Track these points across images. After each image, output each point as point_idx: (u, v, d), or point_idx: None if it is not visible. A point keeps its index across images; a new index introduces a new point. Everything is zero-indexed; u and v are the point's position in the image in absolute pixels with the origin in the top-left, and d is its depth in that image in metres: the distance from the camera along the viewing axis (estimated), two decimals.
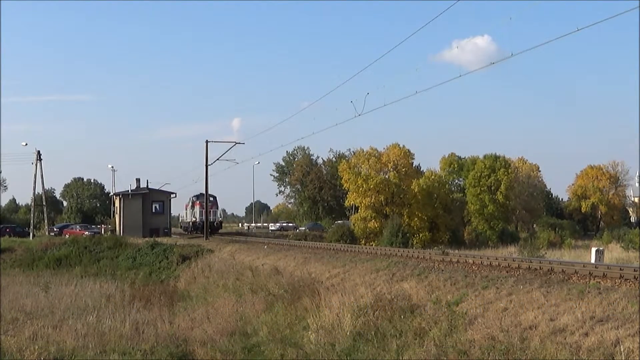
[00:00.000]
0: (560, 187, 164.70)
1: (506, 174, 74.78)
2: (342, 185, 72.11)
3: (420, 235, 65.02)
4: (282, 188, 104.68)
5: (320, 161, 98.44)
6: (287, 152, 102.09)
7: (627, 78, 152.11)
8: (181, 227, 75.63)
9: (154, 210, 61.40)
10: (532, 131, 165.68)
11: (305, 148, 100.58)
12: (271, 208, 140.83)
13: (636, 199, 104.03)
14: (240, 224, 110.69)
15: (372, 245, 51.27)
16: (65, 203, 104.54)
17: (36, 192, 64.04)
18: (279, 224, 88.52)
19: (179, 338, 19.02)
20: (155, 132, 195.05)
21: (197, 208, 58.62)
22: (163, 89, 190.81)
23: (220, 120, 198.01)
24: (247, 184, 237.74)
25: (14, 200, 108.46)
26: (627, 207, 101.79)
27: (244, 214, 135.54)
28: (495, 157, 76.93)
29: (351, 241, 55.87)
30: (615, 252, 46.33)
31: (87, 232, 57.96)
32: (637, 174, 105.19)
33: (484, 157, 78.64)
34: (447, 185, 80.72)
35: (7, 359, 16.47)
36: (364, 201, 66.76)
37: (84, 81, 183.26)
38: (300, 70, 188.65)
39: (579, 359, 10.08)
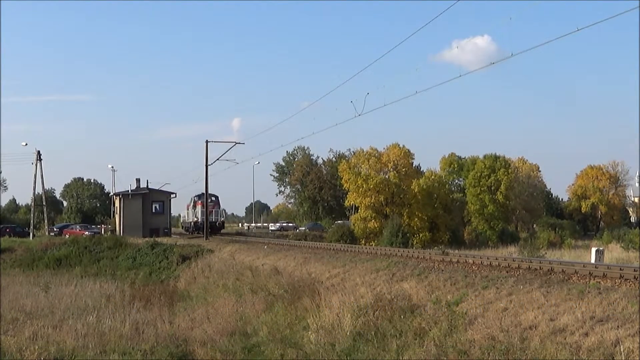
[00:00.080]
0: (560, 187, 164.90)
1: (506, 174, 74.77)
2: (342, 185, 72.09)
3: (420, 235, 64.99)
4: (282, 188, 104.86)
5: (320, 161, 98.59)
6: (287, 152, 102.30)
7: (627, 78, 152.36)
8: (182, 227, 75.54)
9: (154, 210, 61.35)
10: (532, 131, 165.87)
11: (305, 148, 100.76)
12: (271, 208, 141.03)
13: (636, 199, 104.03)
14: (240, 224, 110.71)
15: (372, 245, 51.27)
16: (65, 203, 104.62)
17: (36, 192, 64.14)
18: (279, 224, 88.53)
19: (179, 338, 19.02)
20: (155, 132, 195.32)
21: (198, 208, 58.49)
22: (163, 89, 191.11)
23: (220, 120, 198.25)
24: (247, 184, 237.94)
25: (14, 200, 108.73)
26: (627, 207, 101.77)
27: (244, 214, 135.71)
28: (495, 157, 76.92)
29: (351, 241, 55.86)
30: (615, 252, 46.30)
31: (87, 232, 57.96)
32: (637, 174, 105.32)
33: (484, 157, 78.65)
34: (447, 185, 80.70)
35: (7, 359, 16.47)
36: (364, 201, 66.75)
37: (84, 81, 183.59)
38: (300, 70, 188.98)
39: (579, 359, 10.08)
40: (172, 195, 63.51)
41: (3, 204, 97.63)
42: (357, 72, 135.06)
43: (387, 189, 67.30)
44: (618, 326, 10.34)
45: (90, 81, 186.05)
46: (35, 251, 45.92)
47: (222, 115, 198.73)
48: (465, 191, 79.23)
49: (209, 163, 51.91)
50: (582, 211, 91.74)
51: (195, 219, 60.22)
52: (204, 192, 53.78)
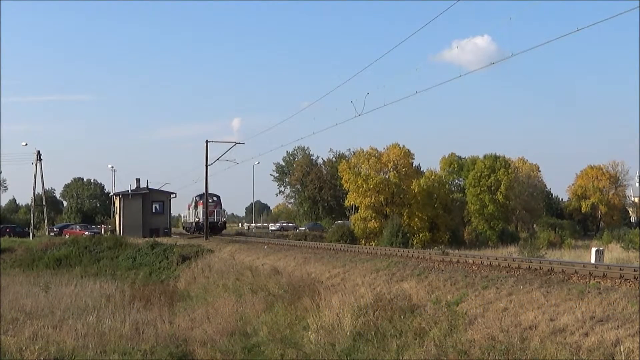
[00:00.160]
0: (560, 187, 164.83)
1: (506, 174, 74.76)
2: (342, 185, 72.08)
3: (420, 235, 64.99)
4: (282, 188, 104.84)
5: (320, 161, 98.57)
6: (287, 152, 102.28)
7: (627, 78, 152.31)
8: (184, 227, 75.47)
9: (154, 210, 61.31)
10: (532, 131, 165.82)
11: (305, 148, 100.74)
12: (271, 208, 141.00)
13: (636, 199, 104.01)
14: (240, 224, 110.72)
15: (372, 245, 51.27)
16: (65, 203, 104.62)
17: (36, 192, 64.16)
18: (279, 224, 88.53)
19: (179, 338, 19.03)
20: (155, 132, 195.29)
21: (200, 208, 58.36)
22: (163, 89, 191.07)
23: (220, 120, 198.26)
24: (247, 184, 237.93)
25: (14, 200, 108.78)
26: (627, 207, 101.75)
27: (244, 214, 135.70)
28: (495, 157, 76.91)
29: (351, 241, 55.87)
30: (615, 252, 46.30)
31: (87, 232, 57.97)
32: (637, 174, 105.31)
33: (484, 157, 78.62)
34: (447, 185, 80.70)
35: (7, 359, 16.47)
36: (364, 201, 66.74)
37: (84, 81, 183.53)
38: (300, 70, 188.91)
39: (579, 359, 10.08)
40: (172, 195, 63.51)
41: (3, 204, 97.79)
42: (357, 72, 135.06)
43: (387, 189, 67.29)
44: (618, 326, 10.34)
45: (90, 81, 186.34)
46: (35, 251, 45.92)
47: (222, 115, 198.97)
48: (465, 191, 79.22)
49: (209, 163, 51.95)
50: (582, 211, 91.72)
51: (197, 219, 60.12)
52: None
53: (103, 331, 19.28)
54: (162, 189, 66.29)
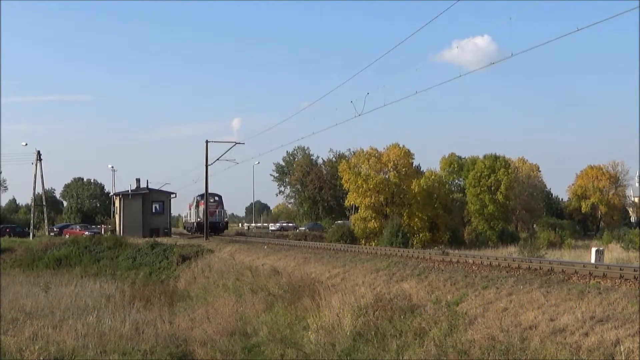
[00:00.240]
0: (560, 187, 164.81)
1: (506, 174, 74.75)
2: (342, 185, 72.07)
3: (420, 235, 64.98)
4: (282, 188, 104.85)
5: (320, 161, 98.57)
6: (287, 152, 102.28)
7: (627, 78, 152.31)
8: (185, 227, 75.40)
9: (154, 210, 61.30)
10: (532, 131, 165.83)
11: (305, 148, 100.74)
12: (271, 208, 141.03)
13: (636, 199, 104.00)
14: (240, 224, 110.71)
15: (372, 245, 51.27)
16: (65, 203, 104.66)
17: (36, 192, 64.17)
18: (279, 224, 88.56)
19: (179, 338, 19.03)
20: (155, 132, 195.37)
21: (201, 208, 58.30)
22: (163, 89, 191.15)
23: (220, 120, 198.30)
24: (247, 184, 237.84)
25: (14, 200, 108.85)
26: (627, 207, 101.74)
27: (244, 214, 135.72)
28: (495, 157, 76.91)
29: (351, 241, 55.86)
30: (615, 252, 46.29)
31: (87, 232, 57.97)
32: (637, 174, 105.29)
33: (484, 157, 78.63)
34: (447, 185, 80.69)
35: (7, 359, 16.47)
36: (364, 201, 66.74)
37: (84, 81, 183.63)
38: (300, 70, 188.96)
39: (579, 359, 10.08)
40: (172, 195, 63.50)
41: (3, 204, 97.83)
42: (357, 72, 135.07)
43: (387, 189, 67.29)
44: (618, 326, 10.34)
45: (90, 81, 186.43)
46: (35, 251, 45.91)
47: (222, 115, 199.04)
48: (465, 191, 79.21)
49: (209, 163, 51.97)
50: (582, 211, 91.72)
51: (198, 219, 60.01)
52: (208, 191, 53.84)
53: (103, 331, 19.28)
54: (162, 189, 66.32)
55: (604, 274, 14.61)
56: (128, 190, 61.65)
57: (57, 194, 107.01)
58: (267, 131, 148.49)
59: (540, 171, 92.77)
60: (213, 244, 43.08)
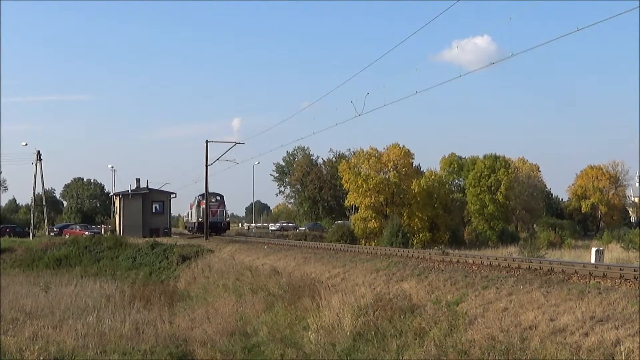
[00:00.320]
0: (560, 187, 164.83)
1: (506, 174, 74.75)
2: (342, 185, 72.07)
3: (420, 235, 64.98)
4: (282, 188, 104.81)
5: (320, 161, 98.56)
6: (287, 152, 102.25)
7: (627, 78, 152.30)
8: (186, 227, 75.32)
9: (154, 210, 61.30)
10: (532, 131, 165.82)
11: (305, 148, 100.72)
12: (271, 208, 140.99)
13: (636, 199, 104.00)
14: (240, 224, 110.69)
15: (372, 245, 51.27)
16: (65, 203, 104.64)
17: (36, 192, 64.13)
18: (279, 224, 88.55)
19: (179, 338, 19.03)
20: (155, 132, 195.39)
21: (203, 207, 58.45)
22: (163, 89, 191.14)
23: (220, 120, 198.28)
24: (247, 184, 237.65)
25: (14, 200, 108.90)
26: (627, 207, 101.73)
27: (244, 214, 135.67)
28: (495, 157, 76.92)
29: (351, 241, 55.86)
30: (615, 252, 46.28)
31: (87, 232, 57.96)
32: (637, 174, 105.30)
33: (484, 157, 78.62)
34: (447, 185, 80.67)
35: (7, 359, 16.47)
36: (364, 201, 66.74)
37: (84, 81, 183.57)
38: (300, 70, 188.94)
39: (579, 359, 10.09)
40: (172, 195, 63.51)
41: (3, 204, 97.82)
42: (357, 72, 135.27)
43: (387, 189, 67.28)
44: (618, 326, 10.34)
45: (90, 81, 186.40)
46: (35, 251, 45.90)
47: (222, 115, 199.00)
48: (465, 191, 79.21)
49: (209, 163, 51.98)
50: (582, 211, 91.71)
51: (200, 219, 59.96)
52: (210, 192, 53.84)
53: (103, 331, 19.27)
54: (162, 189, 66.34)
55: (604, 274, 14.61)
56: (128, 190, 61.67)
57: (57, 194, 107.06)
58: (267, 131, 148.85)
59: (540, 171, 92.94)
60: (213, 244, 43.09)
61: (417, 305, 15.15)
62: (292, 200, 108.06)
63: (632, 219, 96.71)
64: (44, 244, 48.09)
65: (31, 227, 62.14)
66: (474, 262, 19.83)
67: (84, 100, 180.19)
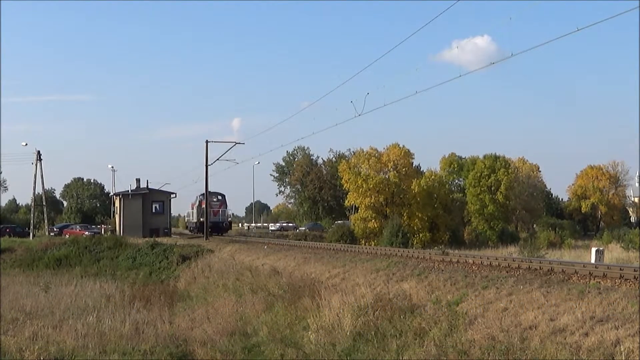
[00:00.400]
0: (560, 187, 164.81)
1: (506, 174, 74.76)
2: (342, 185, 72.06)
3: (420, 235, 64.97)
4: (282, 188, 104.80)
5: (320, 161, 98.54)
6: (287, 152, 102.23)
7: (627, 78, 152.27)
8: (187, 227, 75.28)
9: (154, 210, 61.28)
10: (532, 131, 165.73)
11: (305, 148, 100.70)
12: (271, 208, 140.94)
13: (636, 199, 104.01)
14: (240, 224, 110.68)
15: (372, 245, 51.27)
16: (65, 203, 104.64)
17: (36, 192, 64.12)
18: (279, 224, 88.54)
19: (179, 338, 19.03)
20: (155, 132, 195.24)
21: (204, 207, 58.41)
22: (163, 89, 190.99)
23: (220, 120, 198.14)
24: (247, 184, 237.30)
25: (14, 200, 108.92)
26: (627, 207, 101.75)
27: (244, 214, 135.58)
28: (495, 157, 76.93)
29: (351, 241, 55.86)
30: (615, 252, 46.28)
31: (87, 232, 57.96)
32: (637, 174, 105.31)
33: (484, 157, 78.64)
34: (447, 185, 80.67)
35: (7, 359, 16.47)
36: (364, 201, 66.73)
37: (84, 81, 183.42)
38: (300, 70, 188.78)
39: (579, 359, 10.08)
40: (172, 195, 63.51)
41: (3, 204, 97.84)
42: (357, 72, 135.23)
43: (387, 189, 67.28)
44: (618, 326, 10.34)
45: (90, 81, 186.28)
46: (35, 251, 45.90)
47: (222, 115, 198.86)
48: (465, 191, 79.22)
49: (209, 163, 52.00)
50: (582, 211, 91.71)
51: (201, 218, 59.99)
52: (212, 190, 53.84)
53: (103, 331, 19.27)
54: (162, 189, 66.34)
55: (604, 274, 14.61)
56: (128, 190, 61.66)
57: (57, 194, 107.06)
58: (267, 131, 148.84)
59: (540, 171, 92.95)
60: (213, 244, 43.10)
61: (417, 305, 15.15)
62: (292, 200, 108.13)
63: (632, 219, 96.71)
64: (44, 244, 48.08)
65: (31, 227, 62.15)
66: (474, 262, 19.83)
67: (84, 100, 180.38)
